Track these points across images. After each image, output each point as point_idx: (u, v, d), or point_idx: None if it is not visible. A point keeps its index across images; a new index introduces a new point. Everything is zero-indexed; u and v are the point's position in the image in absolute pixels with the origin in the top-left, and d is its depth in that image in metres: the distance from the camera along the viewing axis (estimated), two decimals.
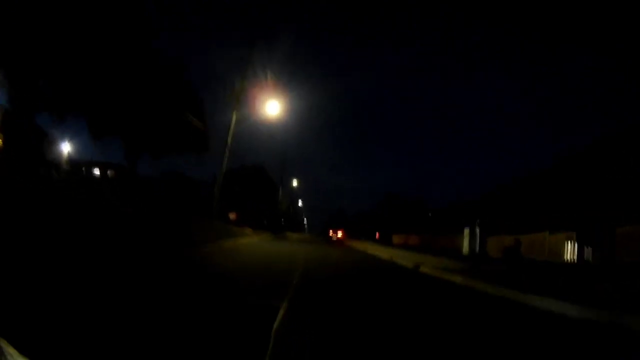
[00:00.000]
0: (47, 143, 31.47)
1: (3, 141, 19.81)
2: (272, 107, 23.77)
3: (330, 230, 37.55)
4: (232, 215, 25.03)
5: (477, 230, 17.99)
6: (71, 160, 45.27)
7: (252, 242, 19.28)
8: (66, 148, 36.57)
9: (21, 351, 1.31)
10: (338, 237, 36.58)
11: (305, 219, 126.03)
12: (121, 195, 20.53)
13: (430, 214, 45.85)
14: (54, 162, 32.93)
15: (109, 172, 42.39)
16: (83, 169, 40.77)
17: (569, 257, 15.44)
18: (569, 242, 15.51)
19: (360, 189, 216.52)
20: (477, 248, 18.01)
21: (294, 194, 71.13)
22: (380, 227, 70.14)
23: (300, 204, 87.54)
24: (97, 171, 44.50)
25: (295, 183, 59.34)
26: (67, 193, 13.72)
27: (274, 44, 24.71)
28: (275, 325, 2.98)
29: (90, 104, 16.41)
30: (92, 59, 14.19)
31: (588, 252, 14.40)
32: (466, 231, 18.48)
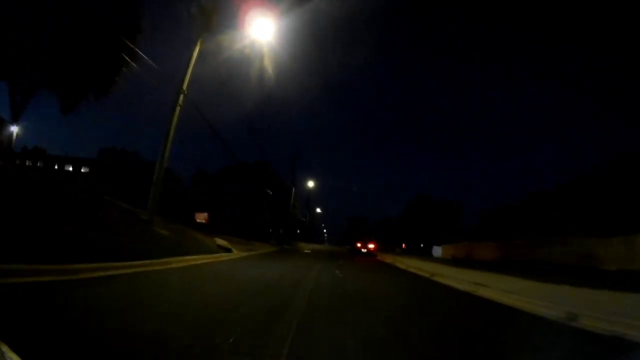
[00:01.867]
0: None
1: None
2: (264, 27, 14.06)
3: (359, 243, 26.91)
4: (200, 217, 15.70)
5: None
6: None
7: (209, 265, 9.41)
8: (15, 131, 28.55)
9: None
10: (369, 248, 26.09)
11: (324, 228, 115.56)
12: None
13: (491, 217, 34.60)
14: None
15: (83, 168, 34.14)
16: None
17: None
18: None
19: (382, 194, 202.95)
20: None
21: (311, 199, 60.79)
22: (414, 235, 59.35)
23: (318, 210, 77.09)
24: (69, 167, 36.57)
25: (311, 184, 48.89)
26: None
27: None
28: None
29: None
30: None
31: None
32: None
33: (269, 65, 18.42)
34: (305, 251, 25.54)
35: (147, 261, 7.65)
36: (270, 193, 35.18)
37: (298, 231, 62.06)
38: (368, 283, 8.68)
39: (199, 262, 9.31)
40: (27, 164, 37.42)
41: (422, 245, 56.58)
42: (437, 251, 36.74)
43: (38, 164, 37.92)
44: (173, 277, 6.38)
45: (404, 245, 59.47)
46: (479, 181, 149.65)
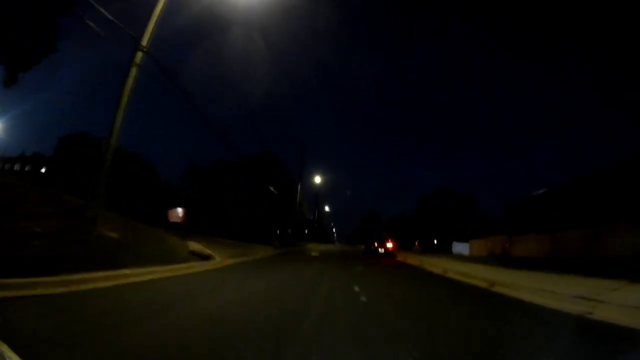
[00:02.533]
0: None
1: None
2: None
3: (376, 242, 23.57)
4: (174, 216, 12.67)
5: None
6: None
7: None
8: None
9: None
10: (388, 248, 22.84)
11: (334, 227, 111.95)
12: None
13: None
14: None
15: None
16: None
17: None
18: None
19: (382, 193, 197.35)
20: None
21: (319, 195, 57.20)
22: (428, 232, 55.91)
23: (327, 208, 73.57)
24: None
25: (318, 180, 45.16)
26: None
27: None
28: None
29: None
30: None
31: None
32: None
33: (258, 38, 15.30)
34: (313, 254, 22.23)
35: (48, 278, 4.64)
36: (274, 190, 31.96)
37: (306, 231, 58.68)
38: (417, 315, 4.96)
39: (143, 278, 6.18)
40: (15, 168, 36.25)
41: (435, 241, 53.17)
42: (459, 247, 33.09)
43: (26, 168, 36.62)
44: (40, 310, 3.20)
45: (417, 242, 56.03)
46: (479, 179, 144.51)
